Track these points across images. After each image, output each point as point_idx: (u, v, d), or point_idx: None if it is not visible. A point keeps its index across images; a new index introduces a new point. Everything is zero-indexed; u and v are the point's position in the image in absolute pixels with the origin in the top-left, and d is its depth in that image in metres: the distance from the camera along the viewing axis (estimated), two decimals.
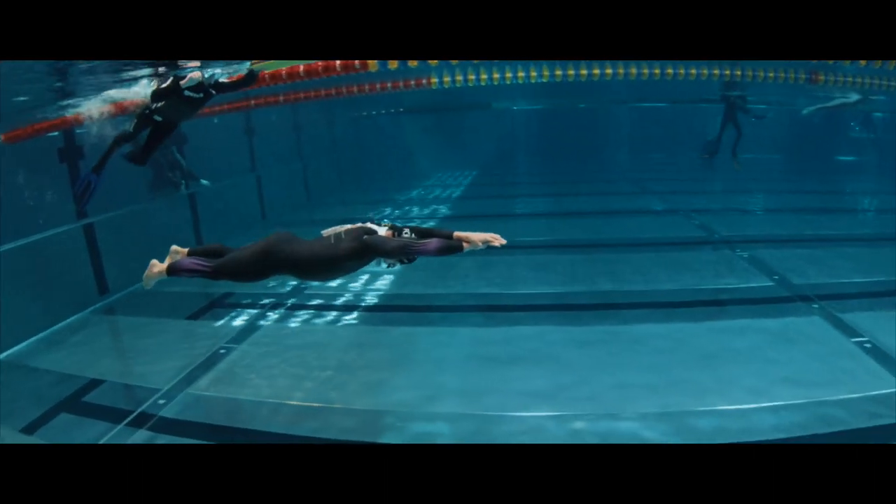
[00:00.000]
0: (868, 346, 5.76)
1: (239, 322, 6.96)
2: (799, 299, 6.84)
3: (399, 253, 3.45)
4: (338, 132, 16.47)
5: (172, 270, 3.97)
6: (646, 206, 12.56)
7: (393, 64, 7.54)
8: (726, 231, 10.07)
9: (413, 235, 3.58)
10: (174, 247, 4.03)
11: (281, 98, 9.58)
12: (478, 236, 3.48)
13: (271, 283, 7.39)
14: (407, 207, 13.38)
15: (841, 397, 4.86)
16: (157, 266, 4.04)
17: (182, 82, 5.33)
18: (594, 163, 18.65)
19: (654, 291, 7.16)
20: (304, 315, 7.18)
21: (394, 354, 5.93)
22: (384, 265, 3.64)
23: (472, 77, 12.95)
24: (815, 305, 6.66)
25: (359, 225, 3.64)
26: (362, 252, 3.50)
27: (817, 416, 4.66)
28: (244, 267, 3.70)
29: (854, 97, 17.08)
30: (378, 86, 13.03)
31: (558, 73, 12.34)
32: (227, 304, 7.62)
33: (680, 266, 8.18)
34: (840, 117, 18.76)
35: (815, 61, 8.15)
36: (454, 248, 3.44)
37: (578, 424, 4.60)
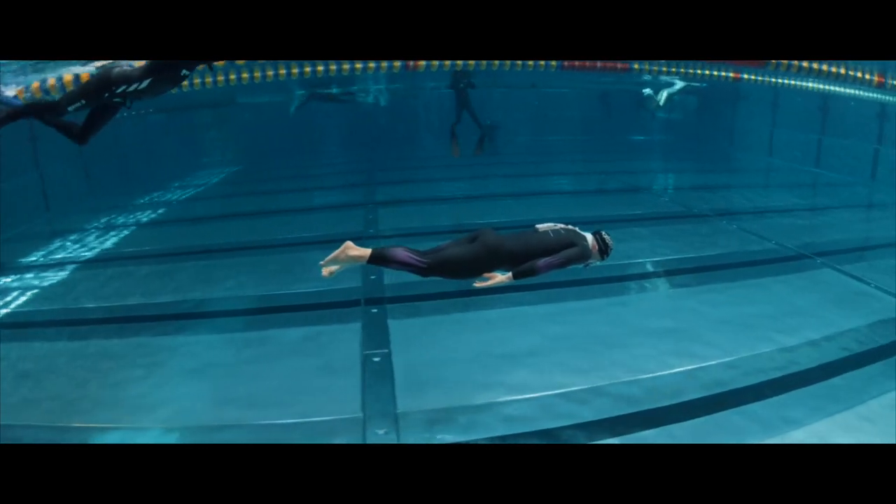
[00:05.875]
0: (377, 359, 5.53)
1: None
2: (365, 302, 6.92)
3: (599, 260, 4.15)
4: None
5: (380, 258, 3.81)
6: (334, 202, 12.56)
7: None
8: (384, 225, 10.13)
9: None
10: (348, 242, 3.86)
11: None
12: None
13: None
14: (132, 214, 12.82)
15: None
16: (355, 250, 3.80)
17: None
18: (365, 151, 18.63)
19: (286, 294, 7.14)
20: None
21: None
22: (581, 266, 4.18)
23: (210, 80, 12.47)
24: (376, 310, 6.72)
25: (571, 227, 4.13)
26: (580, 258, 4.01)
27: None
28: (467, 265, 3.82)
29: (679, 84, 17.88)
30: None
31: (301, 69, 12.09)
32: None
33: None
34: (626, 100, 19.49)
35: None
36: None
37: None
